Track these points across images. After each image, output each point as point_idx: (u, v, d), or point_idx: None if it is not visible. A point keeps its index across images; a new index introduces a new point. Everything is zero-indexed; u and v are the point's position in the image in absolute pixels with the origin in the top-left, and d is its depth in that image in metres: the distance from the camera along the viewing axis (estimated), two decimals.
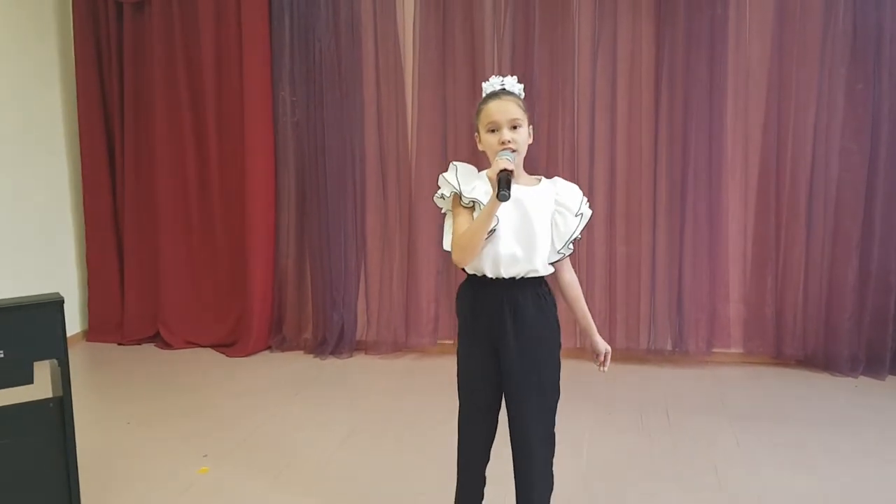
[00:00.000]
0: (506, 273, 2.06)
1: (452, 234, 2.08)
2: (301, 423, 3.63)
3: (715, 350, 4.43)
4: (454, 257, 2.07)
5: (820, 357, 4.26)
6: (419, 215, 4.57)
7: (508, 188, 1.90)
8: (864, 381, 4.10)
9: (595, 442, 3.33)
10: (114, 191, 4.98)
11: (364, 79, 4.57)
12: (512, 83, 2.13)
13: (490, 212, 1.96)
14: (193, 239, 4.88)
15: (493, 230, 2.02)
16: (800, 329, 4.31)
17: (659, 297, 4.40)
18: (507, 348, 2.09)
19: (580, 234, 2.15)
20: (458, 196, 2.07)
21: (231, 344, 4.81)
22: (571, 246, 2.16)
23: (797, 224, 4.25)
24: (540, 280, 2.11)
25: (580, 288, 2.23)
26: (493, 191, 1.93)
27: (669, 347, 4.42)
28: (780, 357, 4.36)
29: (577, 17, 4.34)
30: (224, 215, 4.81)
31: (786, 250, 4.30)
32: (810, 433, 3.39)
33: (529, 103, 4.40)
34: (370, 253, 4.73)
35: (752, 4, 4.21)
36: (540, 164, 4.36)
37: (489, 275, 2.08)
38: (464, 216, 2.05)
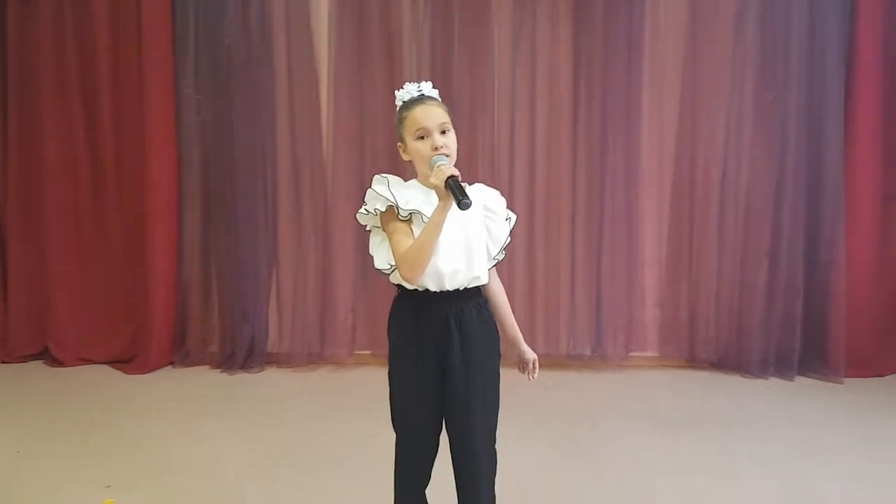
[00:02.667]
0: (450, 285, 1.96)
1: (394, 251, 1.93)
2: (213, 444, 3.38)
3: (632, 354, 4.47)
4: (403, 275, 1.93)
5: (732, 359, 4.37)
6: (335, 220, 4.40)
7: (467, 194, 1.80)
8: (774, 382, 4.23)
9: (520, 453, 3.25)
10: None
11: (276, 78, 4.36)
12: (429, 88, 2.04)
13: (439, 223, 1.86)
14: (87, 246, 4.52)
15: None
16: (713, 332, 4.41)
17: (578, 302, 4.41)
18: (453, 364, 1.98)
19: (509, 238, 2.11)
20: (393, 210, 1.94)
21: (129, 360, 4.47)
22: (504, 252, 2.10)
23: (709, 230, 4.34)
24: (479, 289, 2.05)
25: (506, 295, 2.17)
26: (447, 199, 1.82)
27: (588, 353, 4.43)
28: (693, 360, 4.44)
29: (496, 20, 4.28)
30: (121, 220, 4.48)
31: (699, 255, 4.39)
32: (730, 437, 3.44)
33: (449, 107, 4.35)
34: (282, 260, 4.51)
35: (666, 13, 4.28)
36: (460, 168, 4.26)
37: (433, 288, 1.97)
38: (403, 230, 1.93)
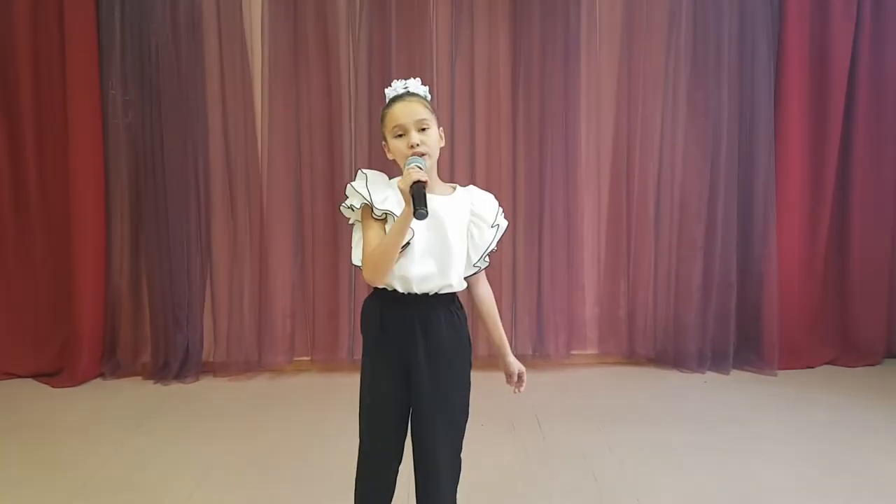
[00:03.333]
0: (418, 289, 1.92)
1: (364, 249, 1.90)
2: (149, 461, 3.22)
3: (573, 352, 4.50)
4: (365, 276, 1.90)
5: (670, 355, 4.44)
6: (272, 224, 4.29)
7: (425, 204, 1.74)
8: (711, 376, 4.31)
9: (470, 456, 3.21)
10: None
11: (207, 78, 4.21)
12: (416, 85, 1.99)
13: (402, 228, 1.81)
14: (7, 254, 4.28)
15: (407, 244, 1.88)
16: (650, 328, 4.48)
17: (520, 302, 4.41)
18: (418, 368, 1.94)
19: (496, 246, 2.04)
20: (369, 207, 1.90)
21: (56, 373, 4.26)
22: (487, 259, 2.04)
23: (646, 227, 4.41)
24: (453, 296, 1.99)
25: (495, 303, 2.12)
26: (408, 205, 1.77)
27: (531, 352, 4.44)
28: (632, 356, 4.50)
29: (434, 20, 4.25)
30: (45, 228, 4.27)
31: (636, 253, 4.45)
32: (673, 432, 3.49)
33: (384, 105, 4.29)
34: (217, 266, 4.37)
35: (602, 14, 4.32)
36: (396, 171, 4.21)
37: (400, 290, 1.93)
38: (375, 230, 1.89)
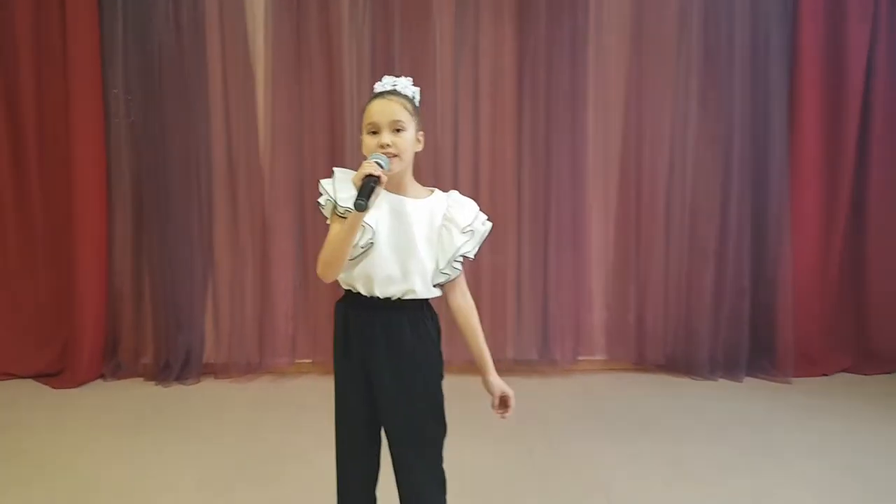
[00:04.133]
0: (380, 293, 1.84)
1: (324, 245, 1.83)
2: (148, 465, 3.17)
3: (580, 358, 4.40)
4: (318, 271, 1.83)
5: (681, 361, 4.33)
6: (274, 225, 4.23)
7: (368, 196, 1.67)
8: (723, 383, 4.19)
9: (475, 462, 3.15)
10: None
11: (209, 78, 4.18)
12: (405, 84, 1.91)
13: (352, 224, 1.74)
14: (9, 254, 4.26)
15: (371, 243, 1.81)
16: (660, 334, 4.36)
17: (525, 306, 4.32)
18: (379, 377, 1.87)
19: (472, 253, 1.91)
20: (333, 204, 1.83)
21: (57, 373, 4.23)
22: (458, 266, 1.90)
23: (656, 230, 4.30)
24: (421, 303, 1.89)
25: (476, 315, 1.96)
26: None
27: (536, 357, 4.35)
28: (641, 362, 4.39)
29: (438, 19, 4.18)
30: (47, 227, 4.24)
31: (646, 256, 4.34)
32: (684, 441, 3.38)
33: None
34: (219, 267, 4.32)
35: (610, 14, 4.23)
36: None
37: (363, 292, 1.86)
38: (335, 228, 1.81)
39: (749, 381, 4.20)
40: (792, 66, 4.16)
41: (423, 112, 4.18)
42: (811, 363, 4.27)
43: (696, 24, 4.15)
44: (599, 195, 4.37)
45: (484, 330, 4.39)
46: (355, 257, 1.83)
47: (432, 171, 4.22)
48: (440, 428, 1.94)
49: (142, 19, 4.08)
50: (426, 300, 1.90)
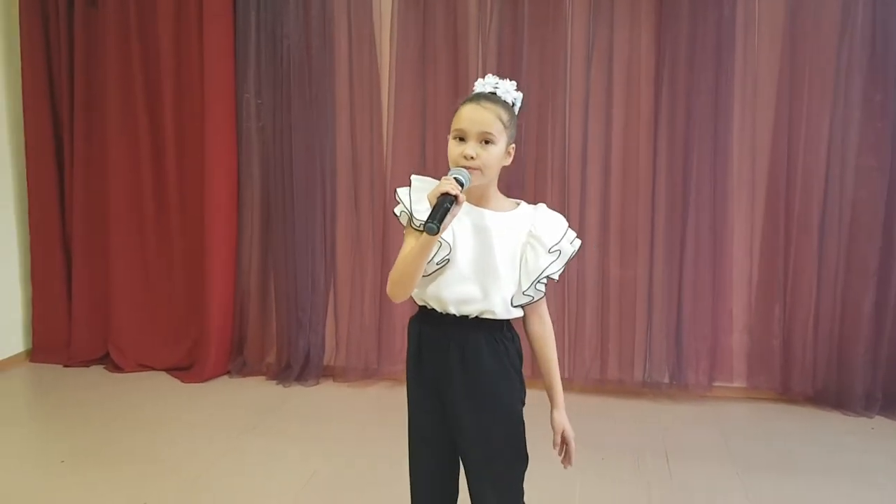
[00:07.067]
0: (455, 311, 1.70)
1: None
2: (259, 461, 3.25)
3: (716, 384, 4.04)
4: (387, 290, 1.71)
5: (831, 394, 3.88)
6: (394, 229, 4.17)
7: (440, 220, 1.52)
8: (880, 421, 3.72)
9: (587, 493, 2.94)
10: (62, 202, 4.54)
11: (336, 81, 4.18)
12: (507, 88, 1.74)
13: (423, 245, 1.60)
14: (148, 254, 4.46)
15: (447, 259, 1.67)
16: (809, 363, 3.93)
17: (656, 325, 4.02)
18: (453, 401, 1.73)
19: (558, 275, 1.74)
20: (408, 216, 1.71)
21: (187, 367, 4.38)
22: (541, 288, 1.74)
23: (808, 248, 3.87)
24: (500, 323, 1.73)
25: (553, 343, 1.81)
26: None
27: (667, 381, 4.04)
28: (786, 393, 3.98)
29: (570, 18, 3.97)
30: (182, 228, 4.39)
31: (795, 276, 3.92)
32: (826, 485, 3.02)
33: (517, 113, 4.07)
34: (340, 270, 4.32)
35: (761, 6, 3.85)
36: (527, 178, 3.99)
37: (437, 309, 1.72)
38: (410, 241, 1.69)
39: None
40: None
41: (551, 115, 4.04)
42: None
43: (862, 15, 3.67)
44: (744, 207, 3.98)
45: (610, 349, 4.18)
46: (429, 274, 1.69)
47: (559, 180, 4.03)
48: (519, 461, 1.78)
49: (273, 23, 4.14)
50: (507, 321, 1.75)
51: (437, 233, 1.53)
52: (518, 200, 1.81)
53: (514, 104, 1.75)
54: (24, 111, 4.45)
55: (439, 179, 1.71)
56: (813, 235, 3.86)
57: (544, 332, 1.80)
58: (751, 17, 3.85)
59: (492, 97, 1.72)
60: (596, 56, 3.96)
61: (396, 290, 1.69)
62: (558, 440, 1.79)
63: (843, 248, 3.83)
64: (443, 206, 1.54)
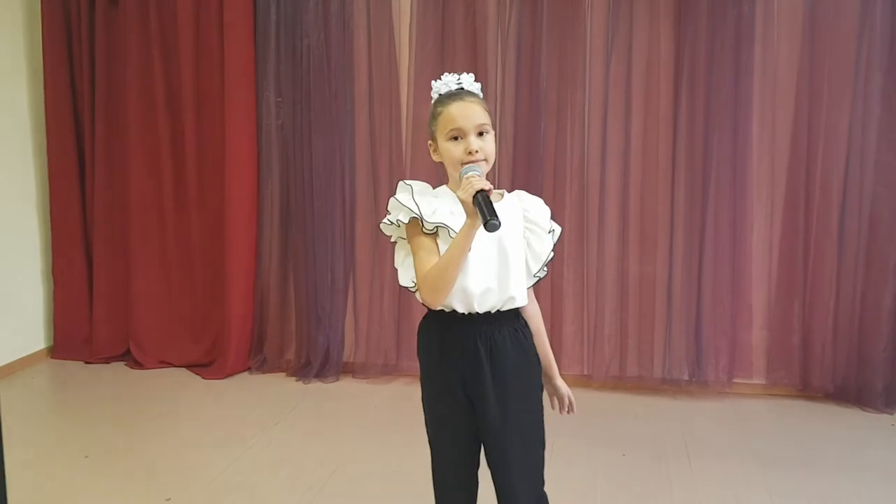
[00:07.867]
0: (480, 307, 1.73)
1: (416, 270, 1.72)
2: (280, 458, 3.28)
3: (736, 380, 4.04)
4: (425, 298, 1.72)
5: (851, 390, 3.87)
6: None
7: (496, 214, 1.55)
8: None
9: (608, 490, 2.95)
10: (83, 199, 4.58)
11: (355, 78, 4.20)
12: (470, 81, 1.80)
13: (465, 243, 1.63)
14: (169, 251, 4.49)
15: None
16: (829, 359, 3.92)
17: (675, 321, 4.02)
18: (483, 396, 1.76)
19: (552, 253, 1.85)
20: (417, 221, 1.71)
21: (208, 364, 4.42)
22: (546, 269, 1.85)
23: (828, 243, 3.87)
24: (517, 312, 1.80)
25: (542, 318, 1.93)
26: (471, 217, 1.59)
27: (686, 377, 4.03)
28: (806, 389, 3.97)
29: (588, 15, 3.97)
30: (202, 226, 4.42)
31: (815, 272, 3.92)
32: (847, 482, 3.02)
33: (535, 107, 4.11)
34: (359, 267, 4.35)
35: (780, 2, 3.84)
36: (546, 176, 3.99)
37: (460, 310, 1.74)
38: (428, 247, 1.71)
39: None
40: None
41: (570, 111, 4.05)
42: None
43: (882, 10, 3.66)
44: (763, 203, 3.98)
45: (629, 345, 4.20)
46: None
47: (578, 175, 4.03)
48: (541, 445, 1.85)
49: (293, 21, 4.16)
50: (519, 309, 1.81)
51: (500, 226, 1.55)
52: (501, 190, 1.86)
53: (480, 94, 1.82)
54: (45, 110, 4.49)
55: (427, 183, 1.80)
56: (832, 231, 3.86)
57: (535, 310, 1.91)
58: (770, 13, 3.84)
59: (467, 92, 1.78)
60: (615, 53, 3.96)
61: (439, 294, 1.69)
62: (566, 403, 1.95)
63: (862, 244, 3.82)
64: (488, 202, 1.57)
